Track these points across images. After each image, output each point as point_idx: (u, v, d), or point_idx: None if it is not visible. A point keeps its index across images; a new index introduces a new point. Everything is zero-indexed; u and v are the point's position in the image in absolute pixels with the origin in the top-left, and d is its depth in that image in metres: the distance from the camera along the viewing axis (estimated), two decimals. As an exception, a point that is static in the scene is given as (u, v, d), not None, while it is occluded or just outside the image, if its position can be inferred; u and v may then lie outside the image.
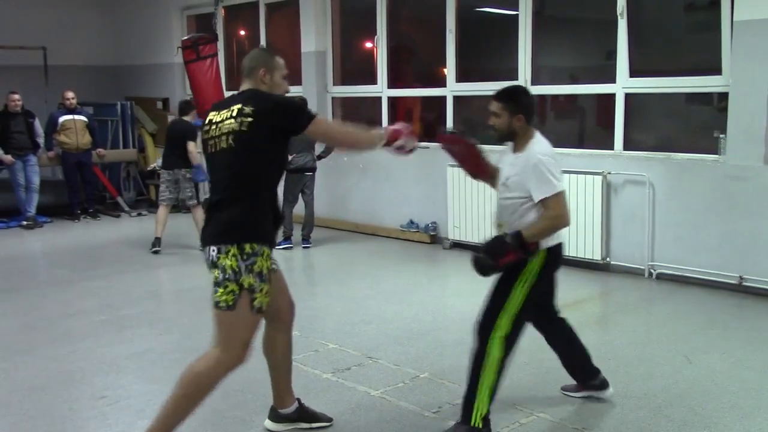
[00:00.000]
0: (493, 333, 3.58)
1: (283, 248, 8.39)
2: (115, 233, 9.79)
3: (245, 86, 3.51)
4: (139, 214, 10.94)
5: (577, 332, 4.06)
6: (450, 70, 8.55)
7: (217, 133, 3.38)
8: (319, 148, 8.49)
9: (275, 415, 3.86)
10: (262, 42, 10.80)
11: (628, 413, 3.98)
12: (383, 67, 9.27)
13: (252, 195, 3.34)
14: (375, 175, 9.23)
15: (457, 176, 8.03)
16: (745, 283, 6.27)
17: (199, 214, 8.47)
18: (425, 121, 10.07)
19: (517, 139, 3.68)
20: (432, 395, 4.28)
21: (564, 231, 3.66)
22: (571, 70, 8.42)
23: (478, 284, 4.92)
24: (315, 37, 9.81)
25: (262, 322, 3.59)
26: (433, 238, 8.58)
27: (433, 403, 4.16)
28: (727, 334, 5.37)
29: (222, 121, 3.37)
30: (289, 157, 8.30)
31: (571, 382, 4.20)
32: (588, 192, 6.97)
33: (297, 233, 8.53)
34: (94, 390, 4.44)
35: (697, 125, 7.36)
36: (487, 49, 8.95)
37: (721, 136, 6.43)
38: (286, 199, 8.48)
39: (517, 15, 7.83)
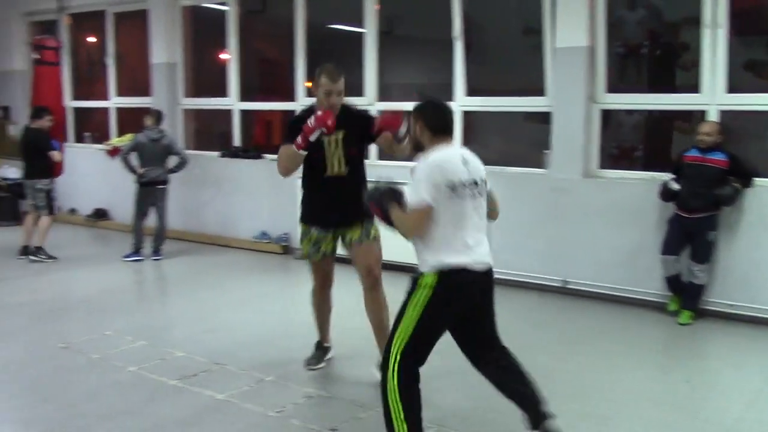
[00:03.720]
0: (390, 362, 3.43)
1: (133, 260, 8.30)
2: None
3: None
4: (-24, 228, 10.41)
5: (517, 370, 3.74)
6: (300, 86, 8.79)
7: None
8: (171, 162, 8.47)
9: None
10: (111, 51, 10.61)
11: (458, 408, 4.32)
12: (234, 80, 9.38)
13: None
14: (228, 188, 9.30)
15: (307, 188, 8.25)
16: (568, 286, 6.89)
17: (44, 222, 8.36)
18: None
19: (421, 151, 3.57)
20: (276, 396, 4.46)
21: (456, 253, 3.41)
22: (418, 87, 8.86)
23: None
24: (165, 48, 9.76)
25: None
26: (285, 248, 8.76)
27: (277, 403, 4.34)
28: (550, 331, 5.91)
29: None
30: (141, 171, 8.26)
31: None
32: (429, 203, 7.38)
33: (149, 246, 8.46)
34: (-74, 407, 4.30)
35: (530, 142, 7.97)
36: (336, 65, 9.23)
37: (546, 152, 7.05)
38: (137, 211, 8.40)
39: (364, 33, 8.20)
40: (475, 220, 3.49)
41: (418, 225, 3.42)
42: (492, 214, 3.74)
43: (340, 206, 4.58)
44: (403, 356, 3.42)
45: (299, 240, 4.88)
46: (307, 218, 4.73)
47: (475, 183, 3.46)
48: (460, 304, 3.50)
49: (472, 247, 3.45)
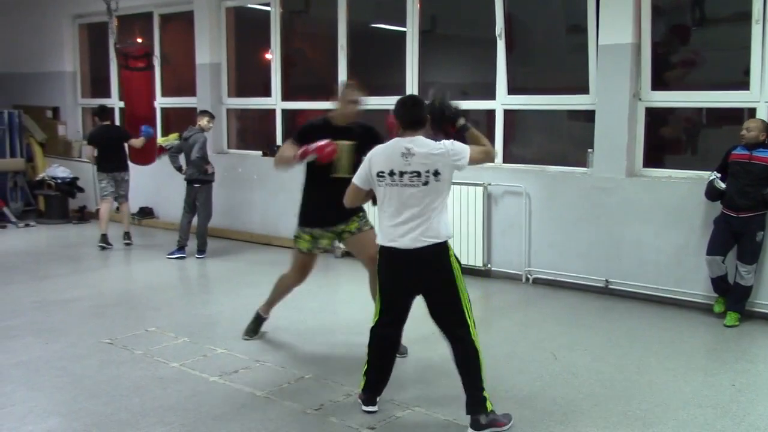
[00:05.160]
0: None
1: (176, 258, 8.43)
2: (1, 244, 9.52)
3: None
4: (27, 225, 10.67)
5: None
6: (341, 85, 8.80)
7: None
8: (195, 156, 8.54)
9: None
10: (157, 52, 10.78)
11: (495, 404, 4.27)
12: (277, 79, 9.46)
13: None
14: (270, 187, 9.37)
15: (348, 187, 8.27)
16: (610, 286, 6.79)
17: (128, 208, 9.40)
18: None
19: None
20: (315, 394, 4.48)
21: (386, 233, 3.97)
22: (461, 86, 8.80)
23: (368, 291, 5.20)
24: (209, 49, 9.89)
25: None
26: (325, 247, 8.77)
27: (315, 401, 4.36)
28: (592, 332, 5.83)
29: None
30: (184, 169, 8.45)
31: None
32: (470, 202, 7.37)
33: (193, 244, 8.58)
34: (-24, 398, 4.42)
35: (572, 140, 7.87)
36: (377, 65, 9.26)
37: (590, 150, 6.95)
38: (184, 208, 8.56)
39: (405, 32, 8.19)
40: (406, 204, 3.88)
41: (351, 197, 4.18)
42: (480, 156, 4.04)
43: (340, 204, 4.95)
44: (377, 313, 4.13)
45: (295, 236, 5.28)
46: (308, 221, 5.19)
47: (417, 174, 3.85)
48: (394, 277, 4.02)
49: (400, 228, 3.89)
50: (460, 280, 3.97)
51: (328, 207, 4.96)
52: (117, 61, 9.89)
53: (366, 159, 4.05)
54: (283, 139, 9.54)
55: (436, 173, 3.85)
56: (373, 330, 4.17)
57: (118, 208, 9.46)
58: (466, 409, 3.96)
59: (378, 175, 3.93)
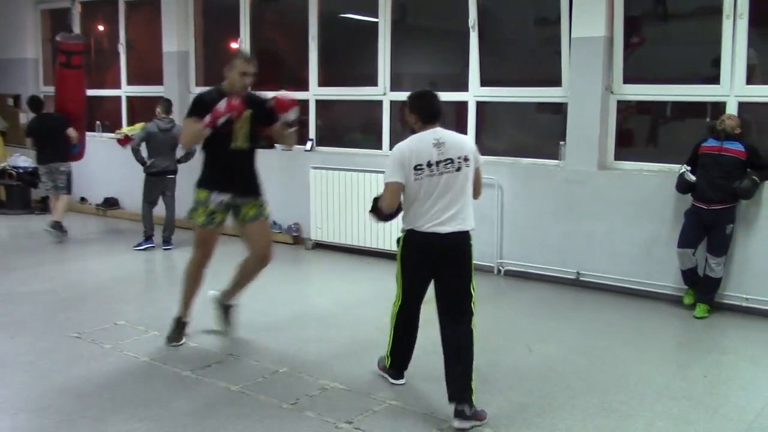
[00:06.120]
0: (394, 299, 4.36)
1: (144, 249, 8.29)
2: (-40, 235, 9.31)
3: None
4: (-13, 216, 10.43)
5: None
6: (312, 75, 8.74)
7: None
8: (179, 153, 8.42)
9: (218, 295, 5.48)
10: (123, 39, 10.57)
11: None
12: (247, 69, 9.31)
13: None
14: (238, 177, 9.24)
15: (319, 178, 8.22)
16: (581, 278, 6.84)
17: (64, 201, 8.92)
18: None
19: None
20: (290, 388, 4.43)
21: (420, 218, 4.05)
22: (431, 78, 8.77)
23: (340, 283, 5.15)
24: (177, 37, 9.73)
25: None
26: (295, 238, 8.72)
27: (291, 395, 4.31)
28: (565, 324, 5.86)
29: None
30: (149, 161, 8.25)
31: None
32: (443, 194, 7.32)
33: (159, 235, 8.44)
34: (-60, 395, 4.29)
35: (544, 133, 7.88)
36: (349, 55, 9.18)
37: (562, 143, 6.98)
38: (146, 200, 8.39)
39: (377, 23, 8.12)
40: (442, 191, 4.00)
41: (390, 199, 4.13)
42: (474, 192, 4.22)
43: (240, 178, 5.05)
44: (400, 296, 4.31)
45: (191, 210, 5.11)
46: (209, 183, 5.00)
47: (450, 161, 4.01)
48: (423, 260, 4.14)
49: (437, 214, 4.02)
50: (474, 271, 4.15)
51: (229, 177, 4.99)
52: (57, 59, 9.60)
53: (395, 157, 4.06)
54: (253, 130, 9.42)
55: (466, 159, 4.04)
56: (399, 313, 4.34)
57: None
58: (451, 396, 3.98)
59: (416, 169, 4.00)
